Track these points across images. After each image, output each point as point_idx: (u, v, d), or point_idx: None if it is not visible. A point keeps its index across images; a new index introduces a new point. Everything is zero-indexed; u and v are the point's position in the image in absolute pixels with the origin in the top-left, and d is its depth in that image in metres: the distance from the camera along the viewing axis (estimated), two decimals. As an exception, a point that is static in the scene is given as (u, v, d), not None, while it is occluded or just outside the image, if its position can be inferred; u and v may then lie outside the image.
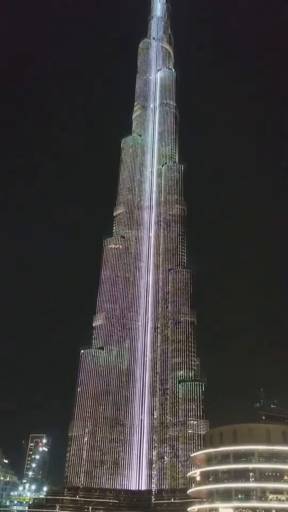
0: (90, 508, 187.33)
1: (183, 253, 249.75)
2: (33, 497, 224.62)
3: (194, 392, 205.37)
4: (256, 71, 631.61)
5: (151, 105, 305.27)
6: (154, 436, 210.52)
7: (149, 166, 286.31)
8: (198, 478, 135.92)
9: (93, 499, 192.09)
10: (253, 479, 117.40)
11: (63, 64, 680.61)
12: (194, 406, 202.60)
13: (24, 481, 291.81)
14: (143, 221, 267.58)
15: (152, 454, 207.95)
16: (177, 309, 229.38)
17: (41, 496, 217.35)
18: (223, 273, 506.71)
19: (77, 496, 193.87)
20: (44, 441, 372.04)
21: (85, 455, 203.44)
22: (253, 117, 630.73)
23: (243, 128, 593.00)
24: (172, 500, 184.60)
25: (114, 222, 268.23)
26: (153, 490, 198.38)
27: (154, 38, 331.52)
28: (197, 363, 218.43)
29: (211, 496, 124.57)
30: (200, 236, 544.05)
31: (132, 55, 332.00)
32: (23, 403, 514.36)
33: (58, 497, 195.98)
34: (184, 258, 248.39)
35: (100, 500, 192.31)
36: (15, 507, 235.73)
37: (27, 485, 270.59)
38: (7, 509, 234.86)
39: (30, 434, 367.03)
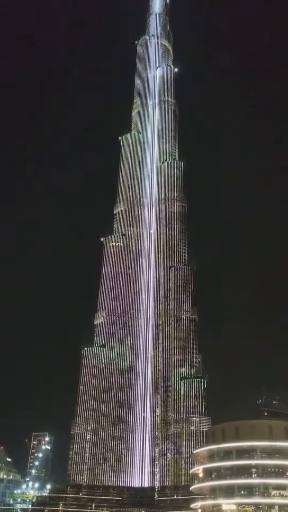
0: (93, 505, 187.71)
1: (184, 250, 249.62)
2: (36, 495, 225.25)
3: (196, 389, 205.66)
4: (256, 68, 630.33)
5: (151, 102, 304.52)
6: (156, 433, 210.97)
7: (149, 163, 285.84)
8: (200, 475, 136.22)
9: (96, 497, 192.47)
10: (255, 475, 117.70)
11: (62, 62, 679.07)
12: (196, 403, 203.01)
13: (27, 479, 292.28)
14: (144, 218, 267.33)
15: (154, 451, 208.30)
16: (179, 306, 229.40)
17: (44, 494, 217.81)
18: (224, 270, 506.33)
19: (80, 494, 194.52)
20: (47, 439, 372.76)
21: (87, 452, 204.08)
22: (253, 114, 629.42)
23: (242, 124, 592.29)
24: (175, 497, 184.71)
25: (115, 219, 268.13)
26: (156, 487, 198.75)
27: (153, 35, 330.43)
28: (199, 360, 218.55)
29: (214, 492, 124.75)
30: (200, 233, 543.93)
31: (131, 52, 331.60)
32: (25, 402, 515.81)
33: (61, 495, 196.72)
34: (185, 255, 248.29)
35: (103, 497, 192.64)
36: (18, 505, 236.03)
37: (30, 483, 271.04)
38: (10, 507, 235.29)
39: (32, 433, 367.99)
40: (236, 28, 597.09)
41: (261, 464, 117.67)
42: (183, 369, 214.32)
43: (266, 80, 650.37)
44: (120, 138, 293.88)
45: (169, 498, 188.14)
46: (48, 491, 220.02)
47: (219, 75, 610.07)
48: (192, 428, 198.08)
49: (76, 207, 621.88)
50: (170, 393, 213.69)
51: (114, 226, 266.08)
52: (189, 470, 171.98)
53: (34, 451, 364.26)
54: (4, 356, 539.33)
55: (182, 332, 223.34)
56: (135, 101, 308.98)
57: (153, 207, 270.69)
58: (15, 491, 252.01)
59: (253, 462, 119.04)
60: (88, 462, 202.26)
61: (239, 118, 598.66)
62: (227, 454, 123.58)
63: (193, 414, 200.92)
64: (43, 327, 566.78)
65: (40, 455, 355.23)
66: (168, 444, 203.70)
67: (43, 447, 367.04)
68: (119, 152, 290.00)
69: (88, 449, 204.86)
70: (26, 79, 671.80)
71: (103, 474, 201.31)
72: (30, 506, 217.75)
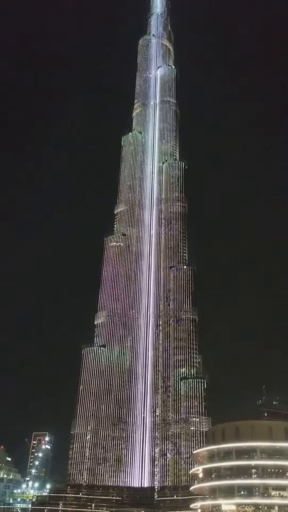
0: (93, 505, 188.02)
1: (184, 251, 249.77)
2: (36, 494, 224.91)
3: (196, 389, 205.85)
4: (256, 68, 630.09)
5: (151, 103, 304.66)
6: (156, 434, 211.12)
7: (150, 163, 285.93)
8: (200, 475, 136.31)
9: (96, 496, 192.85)
10: (255, 475, 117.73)
11: (63, 63, 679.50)
12: (196, 403, 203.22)
13: (27, 478, 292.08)
14: (144, 218, 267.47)
15: (154, 451, 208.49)
16: (179, 307, 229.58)
17: (44, 494, 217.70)
18: (225, 270, 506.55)
19: (80, 494, 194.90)
20: (47, 439, 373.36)
21: (87, 452, 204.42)
22: (253, 114, 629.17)
23: (243, 124, 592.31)
24: (175, 497, 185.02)
25: (115, 220, 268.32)
26: (156, 487, 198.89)
27: (154, 35, 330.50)
28: (199, 360, 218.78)
29: (214, 492, 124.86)
30: (201, 233, 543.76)
31: (132, 53, 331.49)
32: (25, 401, 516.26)
33: (61, 495, 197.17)
34: (185, 256, 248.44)
35: (103, 497, 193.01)
36: (18, 505, 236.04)
37: (30, 483, 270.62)
38: (10, 506, 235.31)
39: (33, 432, 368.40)
40: (237, 28, 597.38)
41: (261, 465, 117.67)
42: (183, 369, 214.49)
43: (267, 80, 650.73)
44: (121, 138, 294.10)
45: (168, 498, 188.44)
46: (48, 490, 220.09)
47: (220, 75, 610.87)
48: (192, 428, 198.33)
49: (76, 207, 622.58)
50: (170, 393, 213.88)
51: (115, 226, 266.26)
52: (189, 470, 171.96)
53: (34, 450, 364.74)
54: (4, 356, 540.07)
55: (182, 332, 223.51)
56: (136, 101, 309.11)
57: (154, 207, 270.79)
58: (15, 491, 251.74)
59: (253, 462, 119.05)
60: (88, 462, 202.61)
61: (239, 118, 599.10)
62: (227, 454, 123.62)
63: (193, 414, 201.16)
64: (43, 327, 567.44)
65: (40, 454, 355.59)
66: (168, 444, 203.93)
67: (43, 447, 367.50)
68: (120, 153, 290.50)
69: (88, 449, 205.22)
70: (26, 79, 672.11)
71: (103, 474, 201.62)
72: (30, 505, 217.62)
